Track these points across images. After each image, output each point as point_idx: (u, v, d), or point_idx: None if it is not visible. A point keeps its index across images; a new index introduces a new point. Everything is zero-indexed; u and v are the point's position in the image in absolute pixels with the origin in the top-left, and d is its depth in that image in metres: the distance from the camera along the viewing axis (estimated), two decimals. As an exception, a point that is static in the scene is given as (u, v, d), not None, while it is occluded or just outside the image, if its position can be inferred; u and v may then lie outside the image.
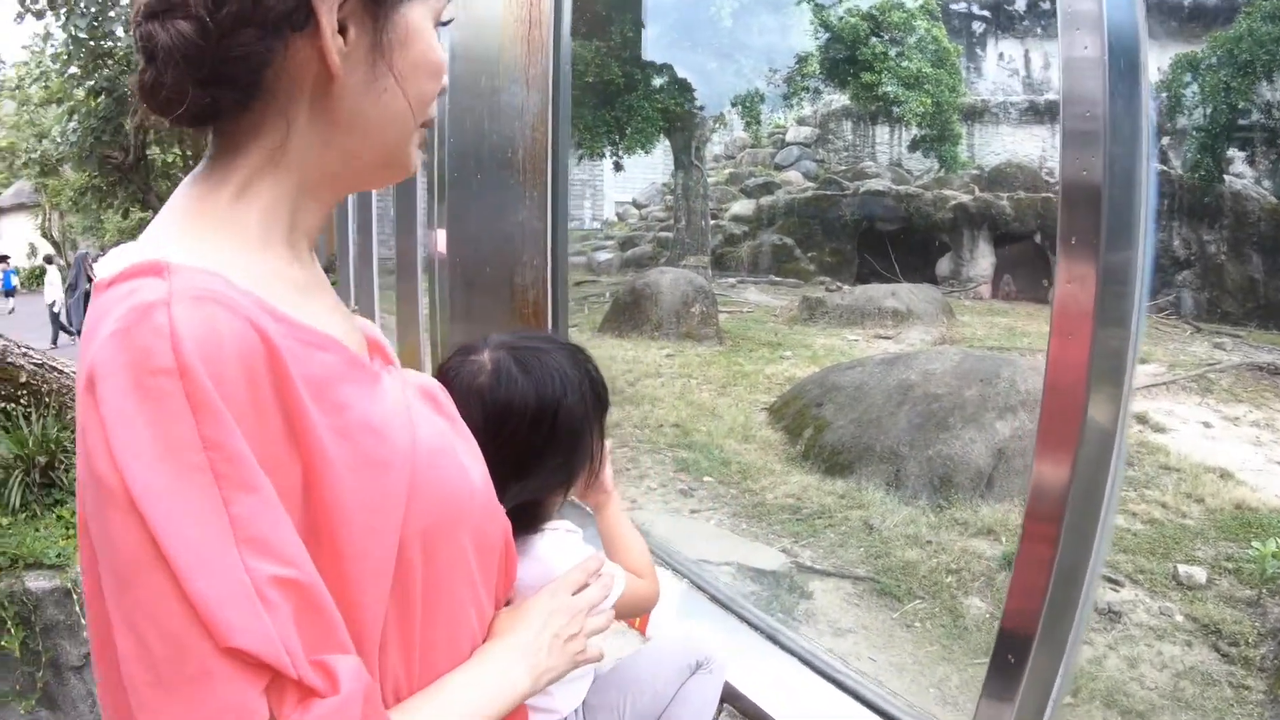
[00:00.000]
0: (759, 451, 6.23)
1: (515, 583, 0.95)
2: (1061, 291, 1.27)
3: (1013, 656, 1.39)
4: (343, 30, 0.66)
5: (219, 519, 0.54)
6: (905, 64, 14.25)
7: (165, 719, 0.53)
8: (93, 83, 11.33)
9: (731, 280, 16.07)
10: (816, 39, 14.96)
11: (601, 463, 1.12)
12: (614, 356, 9.17)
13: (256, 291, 0.62)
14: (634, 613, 1.21)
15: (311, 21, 0.64)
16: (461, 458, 0.79)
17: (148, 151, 13.18)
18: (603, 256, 17.56)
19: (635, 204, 21.20)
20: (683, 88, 14.40)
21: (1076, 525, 1.32)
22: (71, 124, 12.34)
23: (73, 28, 10.40)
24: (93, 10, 10.31)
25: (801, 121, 20.03)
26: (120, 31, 10.48)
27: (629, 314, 10.60)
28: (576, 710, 1.12)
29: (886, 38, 14.50)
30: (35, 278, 20.33)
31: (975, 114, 17.97)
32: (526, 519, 1.06)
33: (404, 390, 0.77)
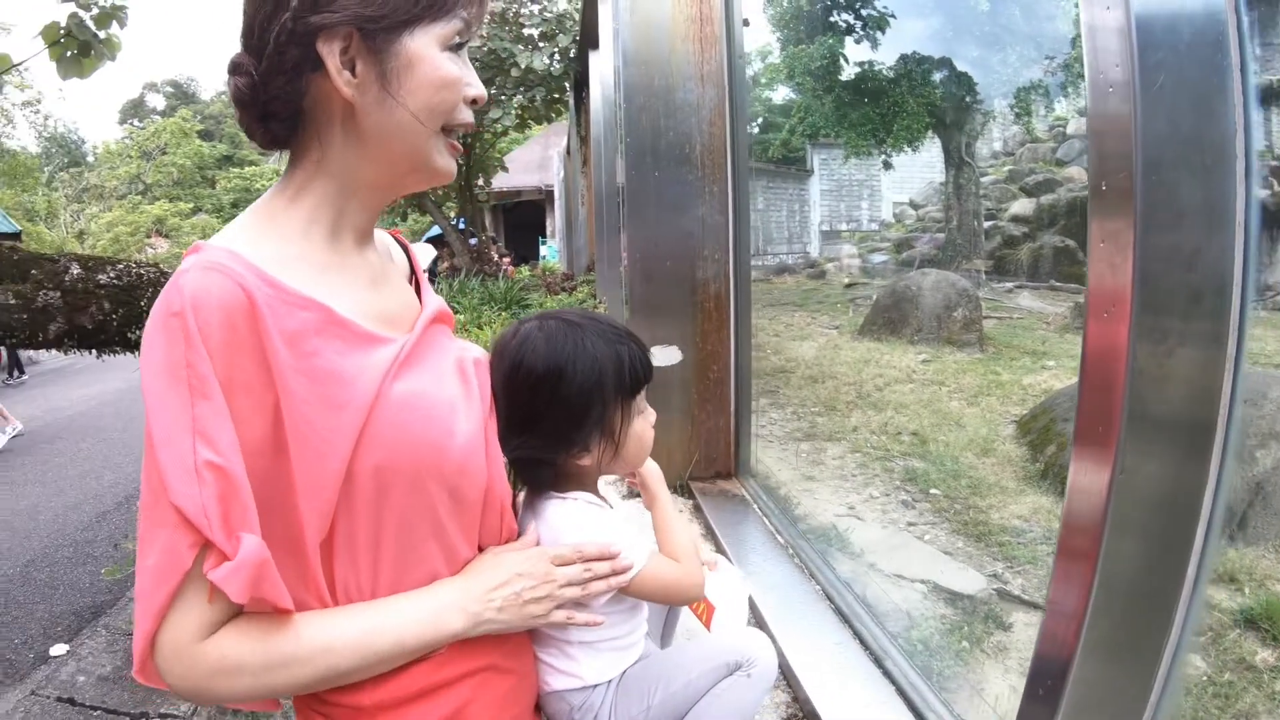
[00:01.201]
0: (995, 467, 5.72)
1: (525, 539, 1.06)
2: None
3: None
4: (354, 66, 0.85)
5: (185, 415, 0.75)
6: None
7: (145, 546, 0.76)
8: None
9: (1008, 285, 14.75)
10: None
11: (623, 439, 1.12)
12: (868, 360, 8.86)
13: (265, 267, 0.83)
14: (667, 598, 1.18)
15: (321, 65, 0.84)
16: (446, 418, 0.92)
17: None
18: (877, 259, 16.90)
19: (912, 204, 20.11)
20: (949, 79, 13.41)
21: None
22: None
23: None
24: None
25: (1082, 113, 17.67)
26: None
27: (888, 317, 10.18)
28: (610, 682, 1.14)
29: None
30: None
31: (1273, 95, 14.82)
32: (536, 480, 1.14)
33: (423, 354, 0.95)
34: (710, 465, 3.58)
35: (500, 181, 19.74)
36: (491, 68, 11.14)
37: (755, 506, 3.26)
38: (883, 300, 10.43)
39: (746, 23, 3.18)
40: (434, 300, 1.07)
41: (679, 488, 3.57)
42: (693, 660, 1.19)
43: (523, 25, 11.15)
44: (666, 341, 3.54)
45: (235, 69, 0.87)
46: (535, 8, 11.33)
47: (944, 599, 3.85)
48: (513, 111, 12.16)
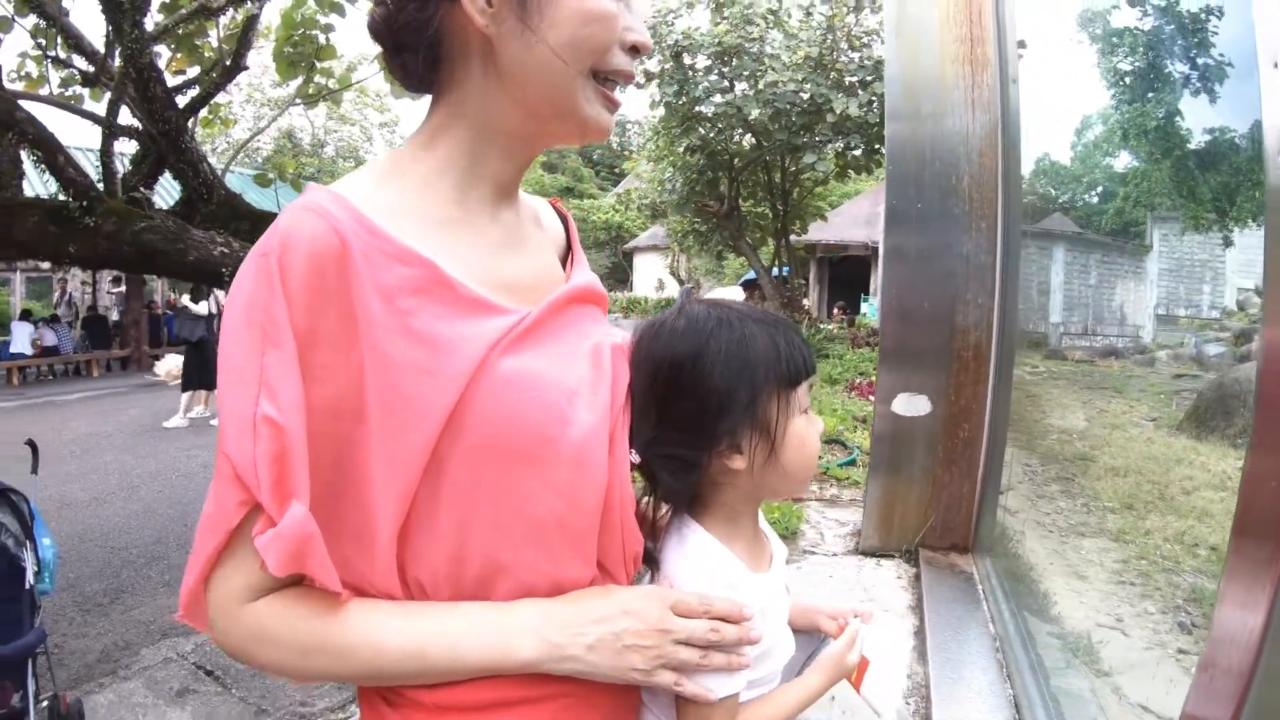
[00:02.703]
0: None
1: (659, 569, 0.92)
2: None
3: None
4: None
5: (253, 363, 0.69)
6: None
7: (210, 492, 0.73)
8: (688, 141, 13.42)
9: None
10: None
11: (781, 437, 0.91)
12: (1180, 459, 7.54)
13: (372, 214, 0.75)
14: None
15: None
16: (562, 404, 0.79)
17: (740, 204, 14.97)
18: (1213, 350, 14.26)
19: (1257, 291, 16.69)
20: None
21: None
22: (671, 175, 14.83)
23: (665, 93, 12.54)
24: (678, 78, 12.27)
25: None
26: (705, 97, 12.19)
27: (1211, 414, 8.57)
28: None
29: None
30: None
31: None
32: (673, 491, 0.94)
33: (550, 331, 0.84)
34: (946, 535, 3.20)
35: (828, 234, 19.74)
36: (809, 113, 11.20)
37: (981, 589, 2.84)
38: (1207, 395, 8.76)
39: (1023, 44, 2.84)
40: (585, 276, 0.95)
41: (905, 553, 3.23)
42: None
43: (841, 72, 11.09)
44: (916, 390, 3.24)
45: (376, 2, 0.81)
46: (855, 55, 11.23)
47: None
48: (829, 158, 12.10)
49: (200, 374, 9.25)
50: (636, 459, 0.90)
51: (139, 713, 3.29)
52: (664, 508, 0.99)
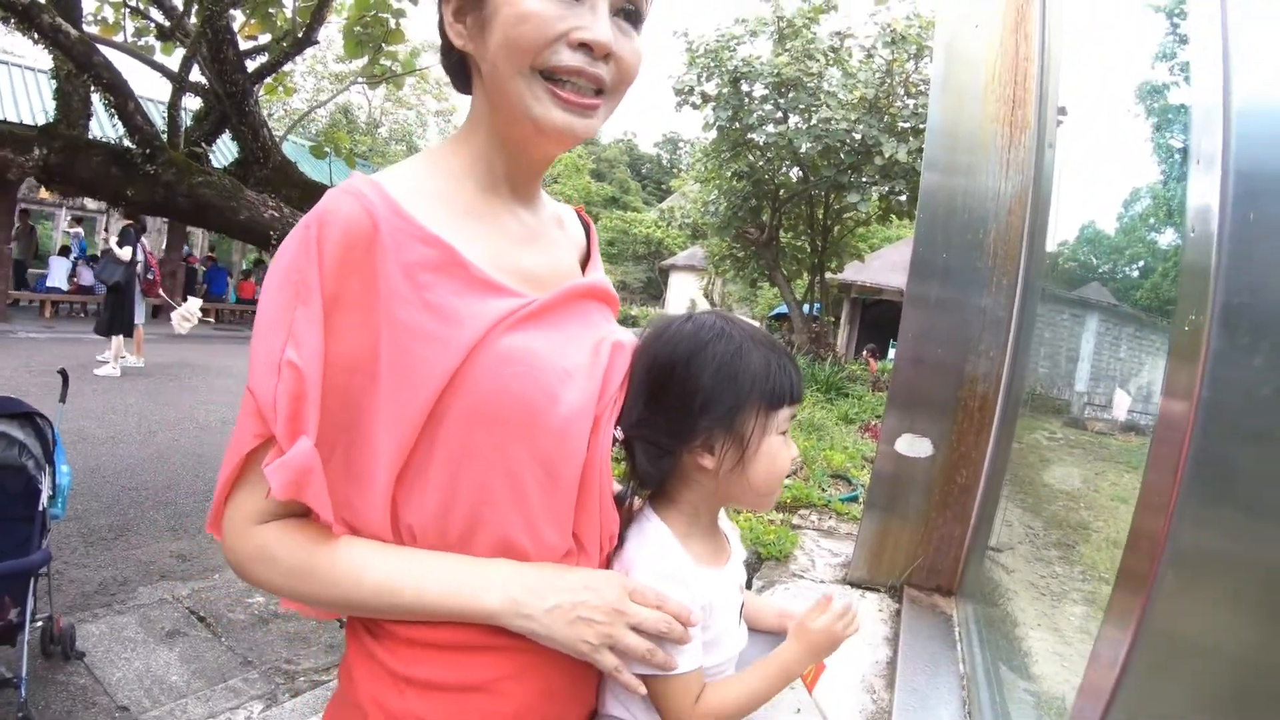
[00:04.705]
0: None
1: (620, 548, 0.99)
2: None
3: None
4: (465, 20, 0.89)
5: (286, 315, 0.80)
6: None
7: (240, 414, 0.83)
8: (736, 166, 13.50)
9: None
10: None
11: (752, 451, 0.98)
12: None
13: (402, 201, 0.85)
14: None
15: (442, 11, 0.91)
16: (553, 383, 0.87)
17: (780, 234, 14.99)
18: None
19: None
20: None
21: None
22: (716, 198, 14.92)
23: (719, 117, 12.65)
24: (733, 104, 12.36)
25: None
26: (757, 125, 12.26)
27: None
28: None
29: None
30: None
31: None
32: (648, 475, 1.02)
33: (556, 318, 0.93)
34: (933, 576, 3.23)
35: (864, 276, 19.75)
36: (858, 153, 11.26)
37: (958, 631, 2.88)
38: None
39: (1064, 111, 2.90)
40: (598, 278, 1.04)
41: (891, 589, 3.27)
42: None
43: (895, 117, 11.14)
44: (920, 433, 3.28)
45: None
46: (911, 102, 11.28)
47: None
48: (873, 200, 12.14)
49: (114, 320, 9.06)
50: (620, 435, 0.98)
51: (128, 647, 3.37)
52: (637, 500, 1.06)
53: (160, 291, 10.14)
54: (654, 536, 1.00)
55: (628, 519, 1.03)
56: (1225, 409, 0.87)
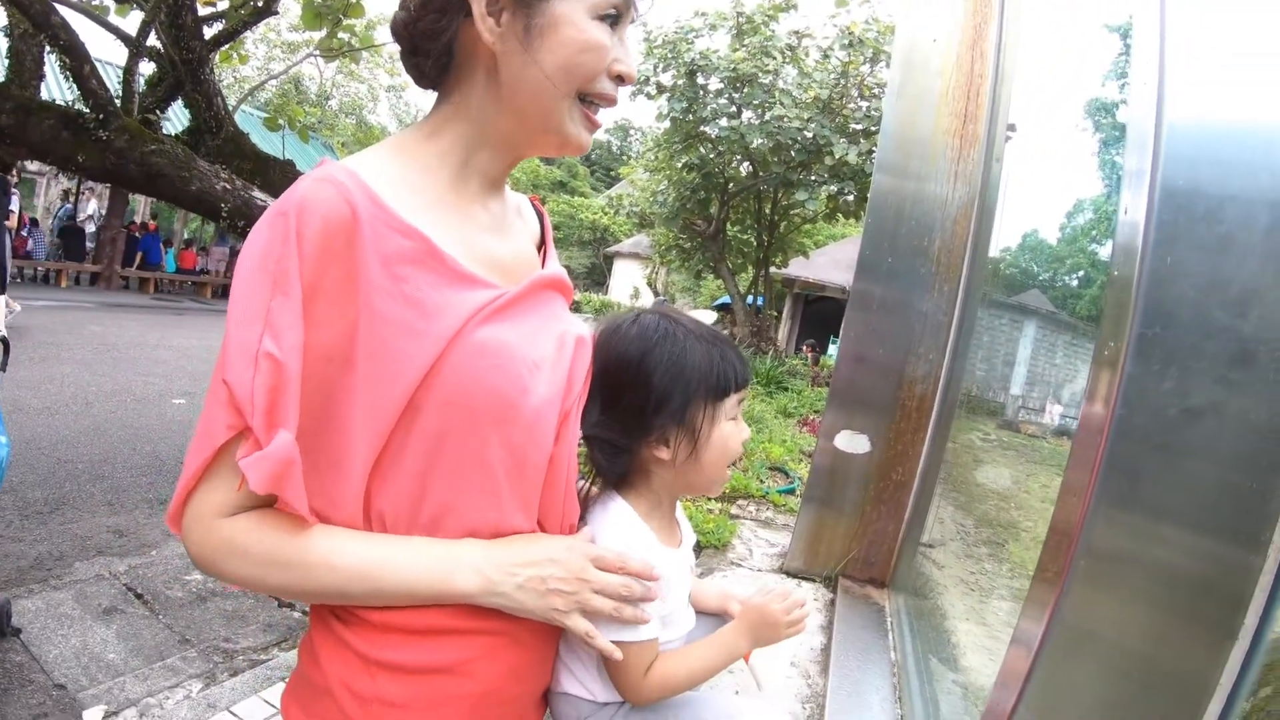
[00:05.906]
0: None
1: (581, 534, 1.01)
2: None
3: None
4: (500, 15, 0.88)
5: (262, 305, 0.78)
6: None
7: (202, 414, 0.82)
8: (687, 158, 13.61)
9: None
10: None
11: (704, 441, 1.06)
12: None
13: (379, 191, 0.85)
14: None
15: (470, 9, 0.88)
16: (524, 374, 0.90)
17: (727, 228, 15.14)
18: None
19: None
20: None
21: None
22: (665, 188, 15.02)
23: (673, 108, 12.74)
24: (688, 96, 12.47)
25: None
26: (711, 118, 12.33)
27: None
28: (622, 705, 1.09)
29: None
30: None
31: None
32: (609, 470, 1.08)
33: (524, 310, 0.95)
34: (867, 569, 3.38)
35: (808, 272, 19.99)
36: (808, 152, 11.42)
37: (890, 621, 3.02)
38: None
39: (1013, 128, 3.05)
40: (556, 268, 1.07)
41: (826, 579, 3.41)
42: (692, 711, 1.10)
43: (847, 118, 11.33)
44: (859, 429, 3.42)
45: (400, 6, 0.92)
46: (864, 104, 11.48)
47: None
48: (821, 198, 12.34)
49: None
50: (580, 435, 1.04)
51: (65, 623, 3.31)
52: (595, 489, 1.12)
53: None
54: (617, 513, 1.07)
55: (586, 506, 1.09)
56: (1135, 425, 0.98)
